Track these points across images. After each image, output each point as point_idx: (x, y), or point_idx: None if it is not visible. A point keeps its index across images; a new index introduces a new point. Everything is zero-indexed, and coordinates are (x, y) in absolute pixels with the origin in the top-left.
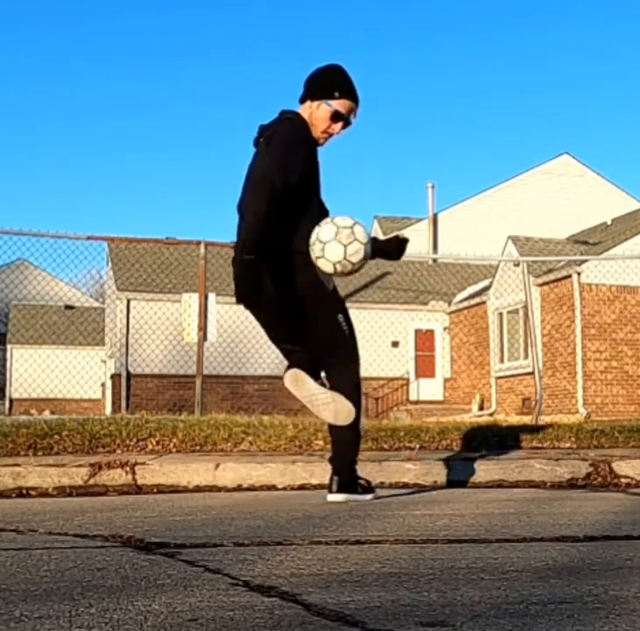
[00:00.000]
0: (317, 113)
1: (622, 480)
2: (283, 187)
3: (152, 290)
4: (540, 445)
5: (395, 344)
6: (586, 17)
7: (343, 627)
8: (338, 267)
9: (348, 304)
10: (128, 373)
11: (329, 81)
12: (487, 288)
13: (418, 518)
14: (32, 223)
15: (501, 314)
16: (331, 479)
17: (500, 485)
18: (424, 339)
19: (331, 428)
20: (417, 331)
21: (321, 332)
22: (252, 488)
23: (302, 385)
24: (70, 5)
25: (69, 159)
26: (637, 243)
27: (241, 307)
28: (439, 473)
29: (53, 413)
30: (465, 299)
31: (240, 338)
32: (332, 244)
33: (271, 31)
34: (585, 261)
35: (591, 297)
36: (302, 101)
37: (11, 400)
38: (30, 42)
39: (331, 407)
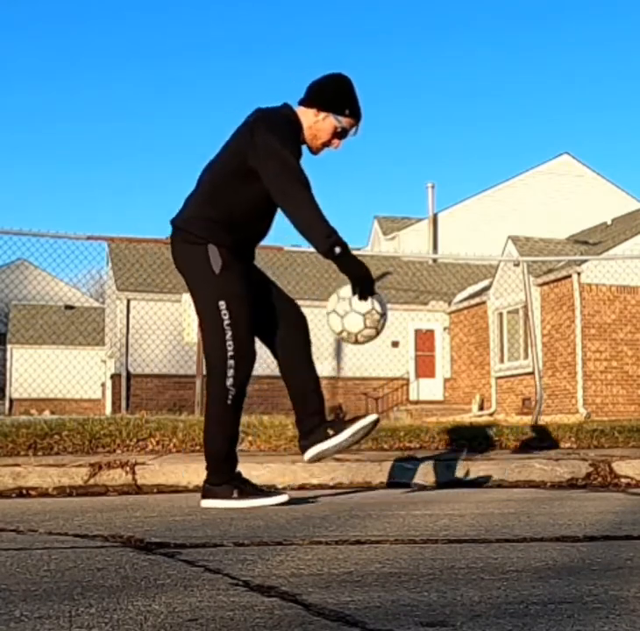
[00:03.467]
0: (323, 125)
1: (622, 480)
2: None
3: (152, 290)
4: (540, 445)
5: (395, 344)
6: (586, 17)
7: (343, 627)
8: (360, 338)
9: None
10: (128, 373)
11: (341, 96)
12: (487, 288)
13: (418, 518)
14: (32, 223)
15: (501, 314)
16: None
17: (500, 485)
18: (424, 339)
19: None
20: (417, 331)
21: (201, 323)
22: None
23: (325, 456)
24: (70, 5)
25: (69, 159)
26: (637, 243)
27: None
28: (439, 473)
29: (53, 413)
30: (465, 299)
31: None
32: (352, 315)
33: (271, 32)
34: (585, 261)
35: (591, 297)
36: (305, 104)
37: (11, 400)
38: (30, 42)
39: (360, 434)
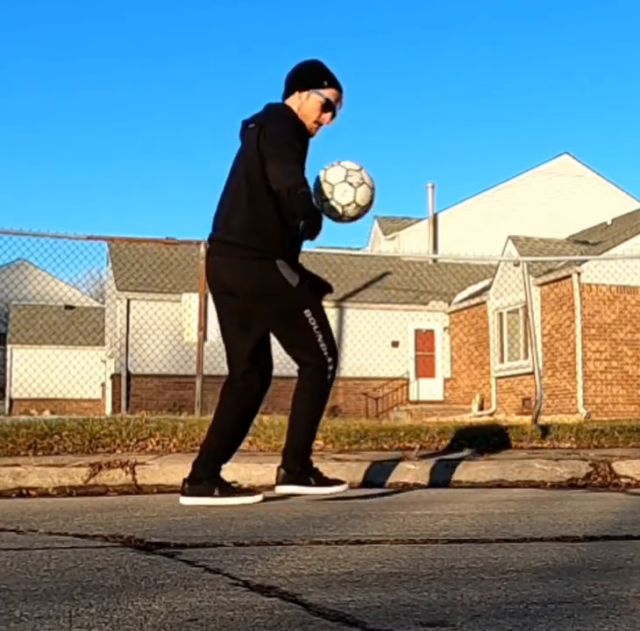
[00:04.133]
0: (308, 103)
1: (622, 480)
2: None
3: (152, 290)
4: (540, 445)
5: (395, 344)
6: (586, 17)
7: (343, 627)
8: (348, 210)
9: (348, 304)
10: (128, 373)
11: (316, 72)
12: (487, 288)
13: (418, 518)
14: (32, 223)
15: (501, 314)
16: (278, 468)
17: (500, 485)
18: (424, 339)
19: (290, 419)
20: (417, 331)
21: (288, 333)
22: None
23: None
24: (70, 5)
25: (69, 159)
26: (637, 243)
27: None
28: (439, 473)
29: (53, 413)
30: (465, 299)
31: None
32: (343, 186)
33: (271, 32)
34: (585, 261)
35: (591, 297)
36: (288, 95)
37: (11, 400)
38: (30, 42)
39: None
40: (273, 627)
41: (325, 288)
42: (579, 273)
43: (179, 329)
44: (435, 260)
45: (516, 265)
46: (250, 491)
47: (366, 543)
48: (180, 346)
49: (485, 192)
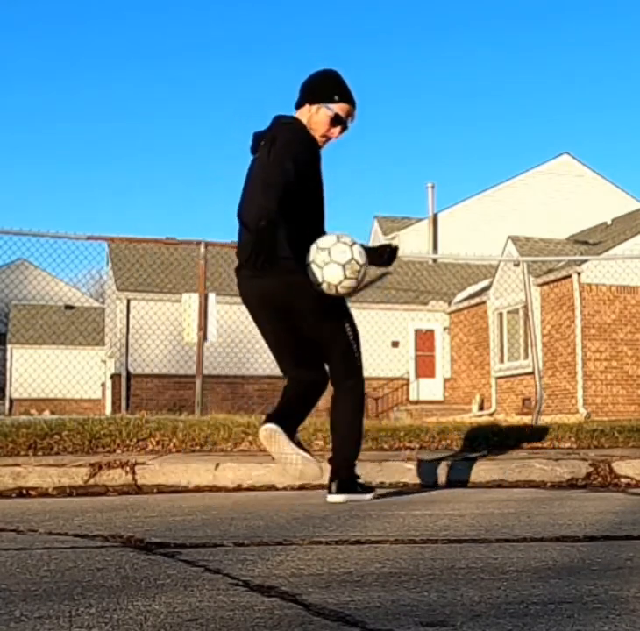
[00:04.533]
0: (317, 117)
1: (622, 480)
2: (284, 188)
3: (152, 290)
4: (540, 445)
5: (395, 344)
6: (586, 17)
7: (343, 627)
8: (340, 290)
9: (348, 304)
10: (128, 373)
11: (328, 85)
12: (487, 288)
13: (418, 518)
14: (32, 223)
15: (501, 314)
16: (330, 480)
17: (500, 485)
18: (424, 339)
19: (333, 426)
20: (417, 331)
21: (328, 342)
22: (252, 488)
23: (274, 442)
24: (70, 5)
25: (69, 159)
26: (637, 243)
27: (242, 307)
28: (439, 473)
29: (53, 413)
30: (465, 299)
31: (240, 338)
32: (331, 266)
33: (271, 32)
34: (585, 261)
35: (591, 297)
36: (299, 106)
37: (11, 400)
38: (30, 42)
39: (298, 469)
40: (273, 627)
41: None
42: (579, 273)
43: (179, 329)
44: (435, 260)
45: (516, 265)
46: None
47: (366, 543)
48: (180, 346)
49: (485, 192)
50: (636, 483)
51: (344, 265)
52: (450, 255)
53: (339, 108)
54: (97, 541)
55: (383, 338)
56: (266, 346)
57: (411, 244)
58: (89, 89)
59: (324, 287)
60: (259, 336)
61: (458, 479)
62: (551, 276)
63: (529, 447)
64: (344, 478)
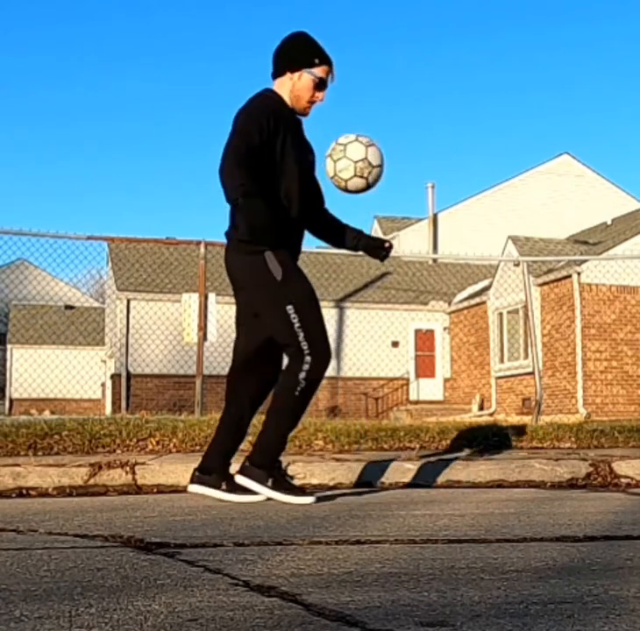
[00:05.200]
0: (300, 83)
1: (622, 480)
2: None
3: (152, 290)
4: (540, 445)
5: (395, 344)
6: (586, 17)
7: (343, 627)
8: (349, 186)
9: (348, 304)
10: (128, 373)
11: (306, 50)
12: (487, 288)
13: (418, 518)
14: (32, 223)
15: (501, 314)
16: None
17: (500, 485)
18: (424, 339)
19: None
20: (417, 331)
21: (269, 328)
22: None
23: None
24: (71, 5)
25: (69, 159)
26: (637, 243)
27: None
28: (439, 473)
29: (53, 413)
30: (465, 299)
31: None
32: (343, 161)
33: (270, 32)
34: (585, 261)
35: (591, 297)
36: (279, 75)
37: (11, 400)
38: (30, 42)
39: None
40: (273, 627)
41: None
42: (579, 273)
43: (179, 329)
44: (435, 260)
45: (516, 265)
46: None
47: (366, 543)
48: (180, 346)
49: (485, 192)
50: (636, 483)
51: (356, 163)
52: (450, 255)
53: (321, 70)
54: (97, 541)
55: (383, 338)
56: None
57: (411, 244)
58: (89, 89)
59: (334, 181)
60: None
61: (458, 479)
62: (551, 276)
63: (529, 447)
64: (258, 464)
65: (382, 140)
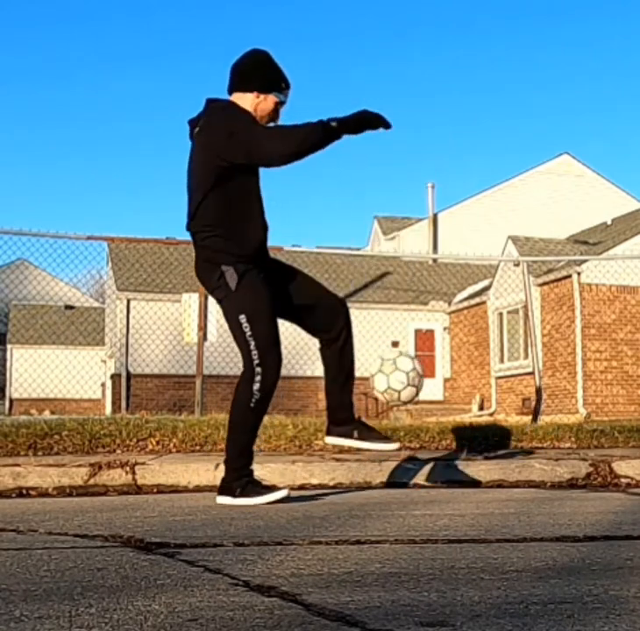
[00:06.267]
0: (265, 104)
1: (622, 480)
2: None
3: (152, 290)
4: (540, 445)
5: (395, 344)
6: (586, 17)
7: (343, 627)
8: (402, 396)
9: (348, 304)
10: (128, 373)
11: (274, 73)
12: (487, 288)
13: (418, 518)
14: (32, 223)
15: (501, 314)
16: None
17: (500, 485)
18: (424, 339)
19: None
20: (417, 331)
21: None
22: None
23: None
24: (71, 5)
25: (69, 159)
26: (637, 243)
27: None
28: (439, 473)
29: (53, 413)
30: (465, 299)
31: None
32: (397, 374)
33: (271, 32)
34: (585, 261)
35: (591, 297)
36: (242, 90)
37: (11, 400)
38: (30, 42)
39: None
40: (273, 627)
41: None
42: (579, 273)
43: (179, 329)
44: (435, 260)
45: (516, 265)
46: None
47: (366, 543)
48: (180, 346)
49: (485, 192)
50: (636, 483)
51: (408, 373)
52: (450, 255)
53: (285, 94)
54: (97, 541)
55: (383, 338)
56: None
57: (411, 244)
58: (89, 89)
59: (389, 392)
60: None
61: (458, 479)
62: (551, 276)
63: (529, 447)
64: (228, 480)
65: (383, 140)
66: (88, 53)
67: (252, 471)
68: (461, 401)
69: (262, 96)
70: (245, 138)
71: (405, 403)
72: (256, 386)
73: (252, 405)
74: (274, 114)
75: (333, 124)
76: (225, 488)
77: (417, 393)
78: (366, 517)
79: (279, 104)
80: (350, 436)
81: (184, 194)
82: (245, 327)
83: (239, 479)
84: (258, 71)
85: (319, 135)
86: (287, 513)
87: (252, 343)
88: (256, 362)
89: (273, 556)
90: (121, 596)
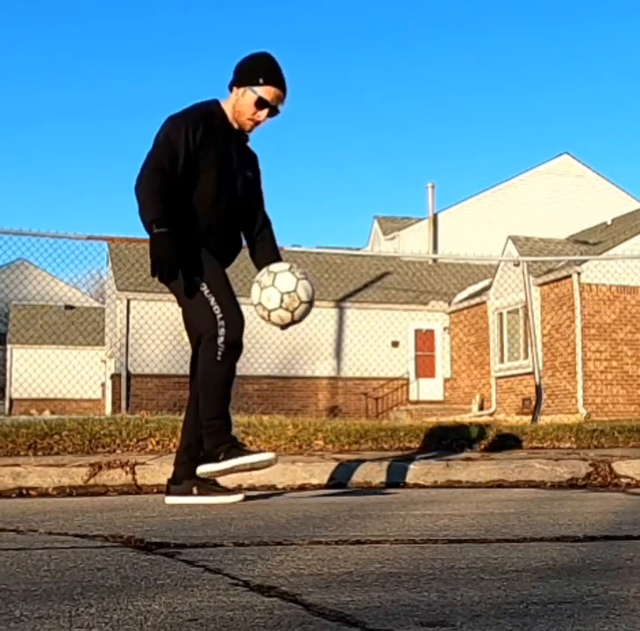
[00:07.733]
0: (243, 100)
1: (622, 480)
2: (171, 170)
3: (152, 290)
4: (540, 445)
5: (395, 344)
6: (585, 17)
7: (343, 627)
8: (272, 317)
9: (348, 304)
10: (128, 373)
11: (254, 68)
12: (487, 288)
13: (418, 518)
14: (32, 223)
15: (501, 314)
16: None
17: (500, 485)
18: (424, 339)
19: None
20: (417, 331)
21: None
22: (252, 488)
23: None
24: (71, 5)
25: (69, 159)
26: (637, 243)
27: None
28: (439, 473)
29: (53, 413)
30: (465, 299)
31: None
32: (270, 290)
33: (270, 32)
34: (585, 261)
35: (591, 297)
36: (229, 88)
37: (11, 400)
38: (30, 42)
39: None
40: (273, 627)
41: None
42: (579, 273)
43: (179, 329)
44: (435, 260)
45: (516, 265)
46: (230, 490)
47: (366, 543)
48: (180, 346)
49: (485, 192)
50: (636, 483)
51: (283, 294)
52: (450, 255)
53: (264, 90)
54: (97, 541)
55: (383, 338)
56: (265, 346)
57: (411, 244)
58: (89, 89)
59: (258, 309)
60: (258, 335)
61: (458, 479)
62: (551, 276)
63: (529, 447)
64: (209, 447)
65: (383, 140)
66: (88, 53)
67: (234, 437)
68: (461, 401)
69: (240, 91)
70: (156, 139)
71: (282, 327)
72: (220, 340)
73: (218, 358)
74: (256, 111)
75: (154, 227)
76: (207, 456)
77: (294, 321)
78: (366, 517)
79: (256, 101)
80: (189, 494)
81: None
82: (202, 285)
83: (221, 445)
84: (241, 67)
85: (147, 213)
86: (287, 513)
87: (212, 299)
88: (219, 316)
89: (273, 556)
90: (121, 596)
